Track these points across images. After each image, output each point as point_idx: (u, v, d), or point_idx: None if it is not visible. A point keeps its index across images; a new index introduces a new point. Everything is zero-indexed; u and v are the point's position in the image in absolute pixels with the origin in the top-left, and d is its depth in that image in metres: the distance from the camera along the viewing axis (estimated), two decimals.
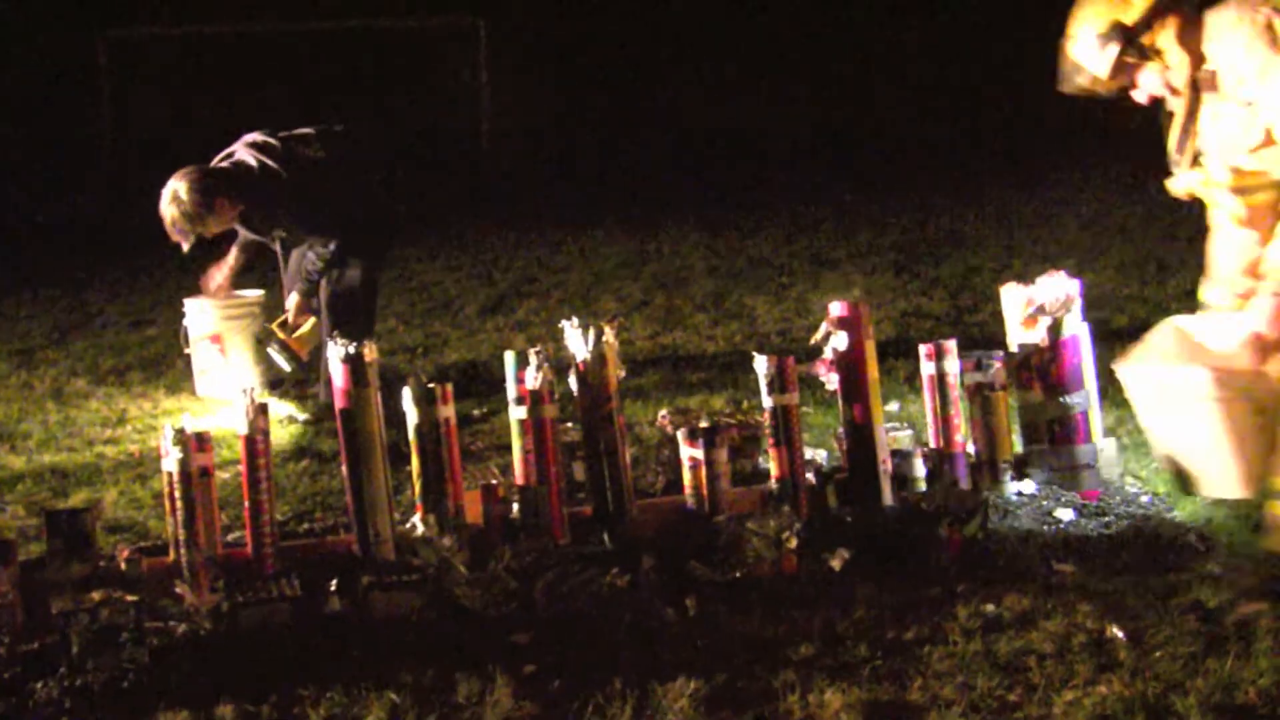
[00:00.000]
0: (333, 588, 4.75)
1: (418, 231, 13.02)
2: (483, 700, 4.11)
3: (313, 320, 7.59)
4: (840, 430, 5.77)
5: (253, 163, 7.33)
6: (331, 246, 7.43)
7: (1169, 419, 5.13)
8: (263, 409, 5.06)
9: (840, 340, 5.63)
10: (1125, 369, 5.24)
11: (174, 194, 7.23)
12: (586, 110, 19.26)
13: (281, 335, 7.57)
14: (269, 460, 5.07)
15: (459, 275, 12.08)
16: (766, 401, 5.53)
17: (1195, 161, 5.07)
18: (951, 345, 5.75)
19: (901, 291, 10.17)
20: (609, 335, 5.33)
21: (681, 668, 4.23)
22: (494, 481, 5.40)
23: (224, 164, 7.43)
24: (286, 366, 7.65)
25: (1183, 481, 5.16)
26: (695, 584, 4.88)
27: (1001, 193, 14.41)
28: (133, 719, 4.11)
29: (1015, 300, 5.80)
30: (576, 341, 5.34)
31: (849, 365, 5.64)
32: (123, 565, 4.87)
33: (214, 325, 8.04)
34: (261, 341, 7.79)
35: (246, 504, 5.03)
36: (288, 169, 7.33)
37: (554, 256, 12.69)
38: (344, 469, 5.14)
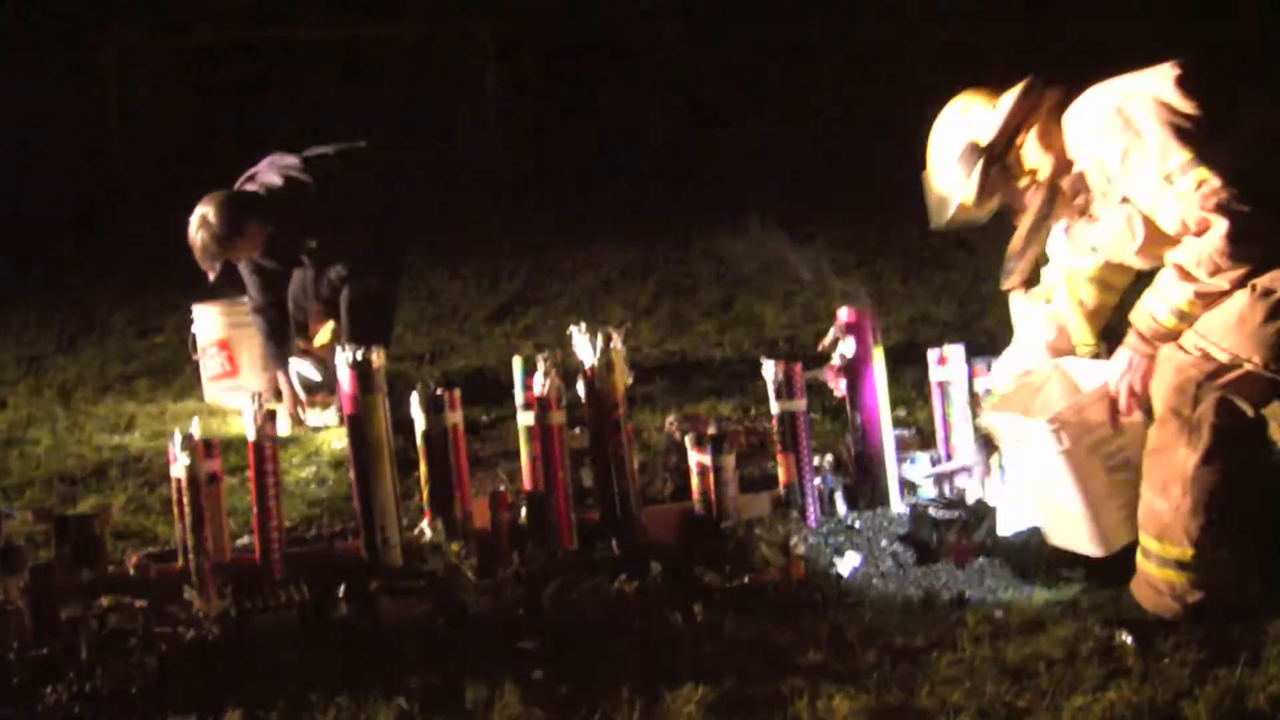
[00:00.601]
0: (341, 594, 4.75)
1: (425, 238, 13.01)
2: (490, 706, 4.11)
3: (332, 325, 7.58)
4: (848, 436, 5.77)
5: (279, 181, 7.30)
6: (355, 263, 7.43)
7: (1027, 469, 5.01)
8: (270, 415, 5.06)
9: (848, 346, 5.63)
10: (988, 416, 5.14)
11: (203, 219, 7.11)
12: (593, 115, 19.26)
13: (303, 344, 7.56)
14: (277, 466, 5.07)
15: (466, 282, 12.08)
16: (774, 407, 5.53)
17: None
18: (958, 350, 5.74)
19: (909, 297, 10.16)
20: (617, 342, 5.33)
21: (689, 674, 4.22)
22: (502, 488, 5.40)
23: (249, 185, 7.41)
24: (316, 376, 7.61)
25: (1049, 532, 5.02)
26: (703, 590, 4.87)
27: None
28: None
29: (1024, 307, 5.79)
30: (584, 348, 5.34)
31: (857, 371, 5.64)
32: (131, 571, 4.87)
33: (222, 331, 8.04)
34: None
35: (255, 510, 5.03)
36: (313, 185, 7.32)
37: (561, 263, 12.69)
38: (352, 475, 5.14)
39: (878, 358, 5.69)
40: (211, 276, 7.27)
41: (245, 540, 5.43)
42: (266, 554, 4.98)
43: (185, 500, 4.85)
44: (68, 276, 13.19)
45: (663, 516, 5.42)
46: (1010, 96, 4.83)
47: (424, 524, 5.09)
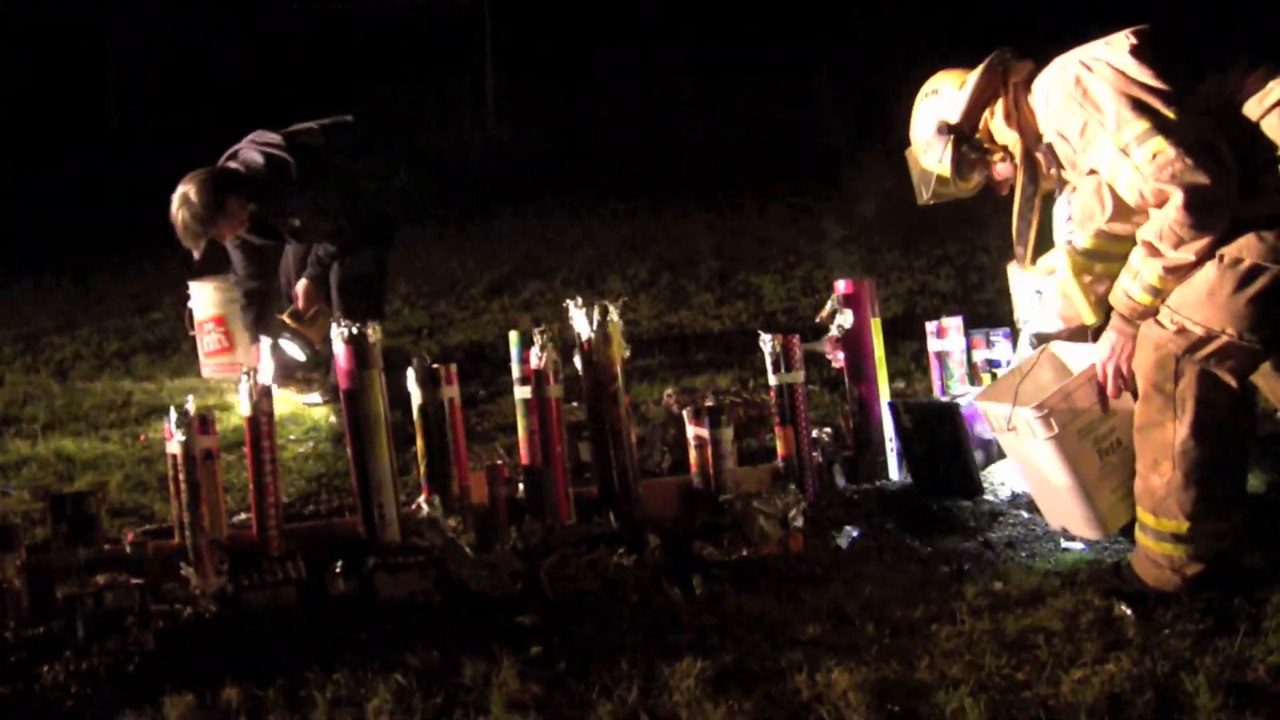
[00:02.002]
0: (338, 570, 4.75)
1: (422, 213, 13.00)
2: (489, 682, 4.10)
3: (323, 306, 7.56)
4: (846, 408, 5.76)
5: (259, 159, 7.27)
6: (339, 239, 7.40)
7: (1024, 452, 5.00)
8: (266, 391, 5.04)
9: (846, 318, 5.62)
10: (980, 405, 5.13)
11: (184, 196, 7.09)
12: (591, 90, 19.22)
13: (293, 324, 7.54)
14: (274, 442, 5.06)
15: (463, 256, 12.06)
16: (773, 380, 5.52)
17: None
18: (957, 322, 5.73)
19: (907, 270, 10.14)
20: (614, 315, 5.31)
21: (688, 648, 4.22)
22: (499, 462, 5.38)
23: (231, 164, 7.38)
24: (301, 356, 7.61)
25: (1047, 514, 5.09)
26: (702, 564, 4.87)
27: None
28: (139, 702, 4.10)
29: (1021, 278, 5.78)
30: (581, 321, 5.32)
31: (855, 343, 5.63)
32: (128, 549, 4.86)
33: (218, 308, 8.03)
34: (273, 335, 7.78)
35: (251, 486, 5.02)
36: (295, 161, 7.30)
37: (558, 237, 12.66)
38: (349, 450, 5.12)
39: (875, 329, 5.68)
40: (196, 255, 7.24)
41: (242, 517, 5.42)
42: (264, 530, 4.97)
43: (182, 477, 4.84)
44: (65, 254, 13.16)
45: (661, 490, 5.41)
46: (975, 75, 4.90)
47: (421, 499, 5.08)
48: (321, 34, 19.18)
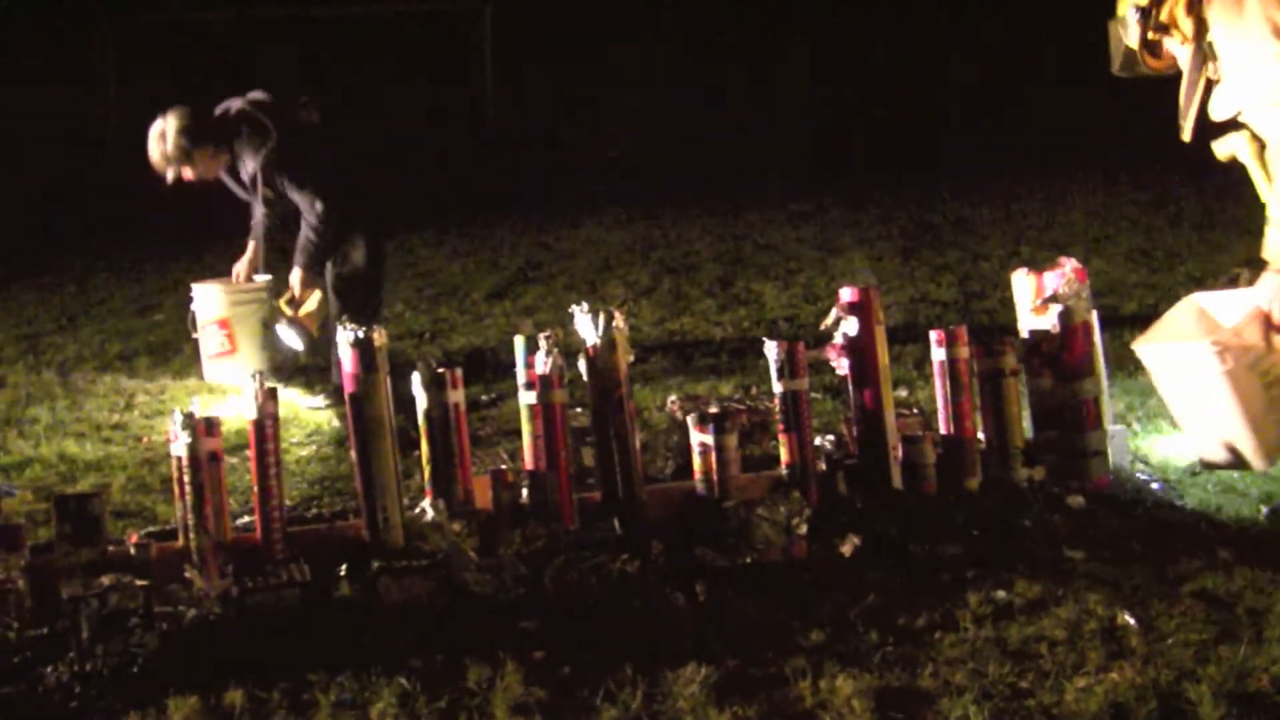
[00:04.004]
0: (342, 573, 4.75)
1: (423, 217, 13.02)
2: (492, 686, 4.10)
3: (319, 294, 7.56)
4: (850, 416, 5.76)
5: (243, 116, 7.42)
6: (317, 216, 7.39)
7: (1186, 395, 5.24)
8: (272, 394, 5.05)
9: (850, 325, 5.62)
10: (1142, 347, 5.36)
11: (161, 132, 7.33)
12: (592, 94, 19.23)
13: (289, 312, 7.54)
14: (278, 445, 5.06)
15: (465, 261, 12.07)
16: (776, 387, 5.52)
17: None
18: (962, 331, 5.73)
19: (909, 278, 10.14)
20: (619, 321, 5.32)
21: (692, 654, 4.22)
22: (503, 467, 5.39)
23: (217, 114, 7.49)
24: (299, 345, 7.62)
25: (1204, 455, 5.29)
26: (705, 570, 4.86)
27: (1010, 180, 14.39)
28: (142, 704, 4.10)
29: (1026, 287, 5.78)
30: (586, 327, 5.33)
31: (859, 351, 5.63)
32: (132, 550, 4.85)
33: (221, 310, 8.04)
34: (269, 324, 7.80)
35: (255, 489, 5.02)
36: (279, 127, 7.36)
37: (560, 242, 12.67)
38: (353, 454, 5.13)
39: (880, 337, 5.68)
40: (169, 180, 7.43)
41: (246, 519, 5.42)
42: (268, 533, 4.97)
43: (186, 479, 4.84)
44: (67, 255, 13.16)
45: (664, 496, 5.41)
46: None
47: (425, 503, 5.08)
48: (322, 34, 19.19)
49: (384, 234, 7.78)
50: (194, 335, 8.20)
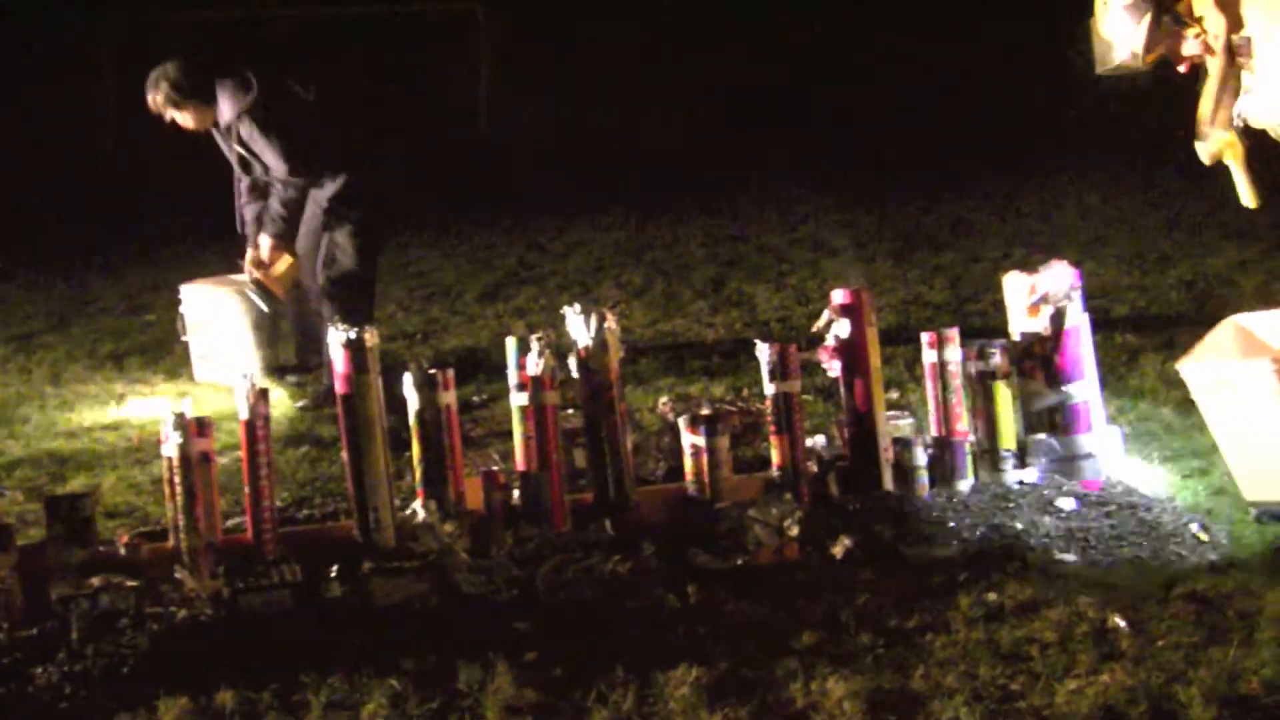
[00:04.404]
0: (333, 574, 4.75)
1: (416, 218, 13.01)
2: (484, 687, 4.10)
3: (289, 259, 7.53)
4: (842, 418, 5.76)
5: (230, 68, 7.45)
6: (283, 176, 7.40)
7: (1233, 417, 4.99)
8: (263, 394, 5.05)
9: (842, 328, 5.62)
10: (1188, 367, 5.08)
11: (158, 77, 7.38)
12: (585, 95, 19.22)
13: (256, 274, 7.52)
14: (269, 445, 5.06)
15: (458, 261, 12.05)
16: (768, 389, 5.52)
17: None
18: (954, 334, 5.73)
19: (902, 280, 10.14)
20: (611, 322, 5.32)
21: (684, 655, 4.22)
22: (495, 468, 5.39)
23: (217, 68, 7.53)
24: (265, 307, 7.65)
25: (1255, 486, 5.00)
26: (697, 571, 4.87)
27: (1002, 182, 14.38)
28: (133, 704, 4.10)
29: (1018, 289, 5.79)
30: (578, 328, 5.33)
31: (851, 352, 5.63)
32: (122, 551, 4.86)
33: (211, 311, 8.03)
34: (260, 325, 7.79)
35: (247, 489, 5.02)
36: (264, 87, 7.38)
37: (553, 242, 12.66)
38: (345, 455, 5.12)
39: (872, 339, 5.68)
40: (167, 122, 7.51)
41: (237, 520, 5.42)
42: (259, 534, 4.97)
43: (177, 479, 4.84)
44: (58, 255, 13.13)
45: (656, 497, 5.41)
46: None
47: (417, 504, 5.08)
48: (313, 33, 19.17)
49: (376, 235, 7.75)
50: (183, 337, 8.18)
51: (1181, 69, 4.99)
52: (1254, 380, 4.80)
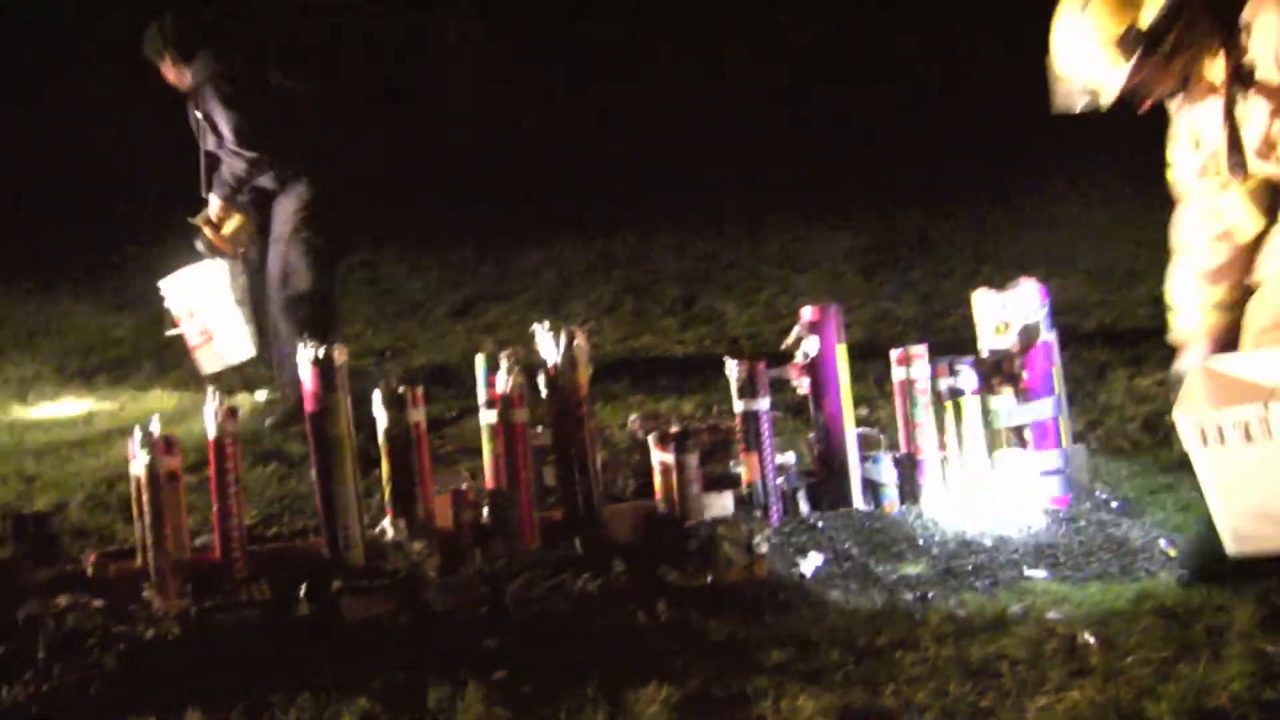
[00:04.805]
0: (302, 592, 4.73)
1: (385, 234, 13.00)
2: (454, 706, 4.08)
3: (240, 219, 7.61)
4: (812, 434, 5.77)
5: (217, 46, 7.60)
6: (233, 141, 7.44)
7: (1236, 466, 4.68)
8: (231, 412, 5.03)
9: (811, 344, 5.63)
10: (1185, 418, 4.76)
11: (154, 25, 7.62)
12: (555, 112, 19.23)
13: (208, 234, 7.56)
14: (238, 464, 5.04)
15: (427, 278, 12.05)
16: (738, 406, 5.53)
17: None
18: (921, 350, 5.74)
19: (871, 296, 10.17)
20: (580, 339, 5.32)
21: (654, 673, 4.21)
22: (464, 486, 5.38)
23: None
24: (211, 258, 7.71)
25: (1243, 539, 4.70)
26: (667, 589, 4.86)
27: (971, 198, 14.43)
28: None
29: (987, 306, 5.80)
30: (548, 345, 5.32)
31: (820, 369, 5.64)
32: (89, 570, 4.84)
33: (191, 300, 7.95)
34: (242, 302, 7.76)
35: (215, 508, 5.00)
36: (239, 62, 7.54)
37: (522, 259, 12.67)
38: (313, 473, 5.11)
39: (841, 356, 5.69)
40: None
41: (205, 538, 5.40)
42: (227, 552, 4.95)
43: (145, 498, 4.82)
44: (26, 271, 13.08)
45: (626, 515, 5.41)
46: None
47: (386, 522, 5.07)
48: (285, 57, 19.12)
49: (332, 255, 7.69)
50: (172, 332, 8.07)
51: (1146, 106, 4.85)
52: (1252, 426, 4.57)
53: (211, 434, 4.99)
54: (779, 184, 15.72)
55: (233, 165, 7.46)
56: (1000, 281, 5.92)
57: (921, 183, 15.37)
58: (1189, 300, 5.12)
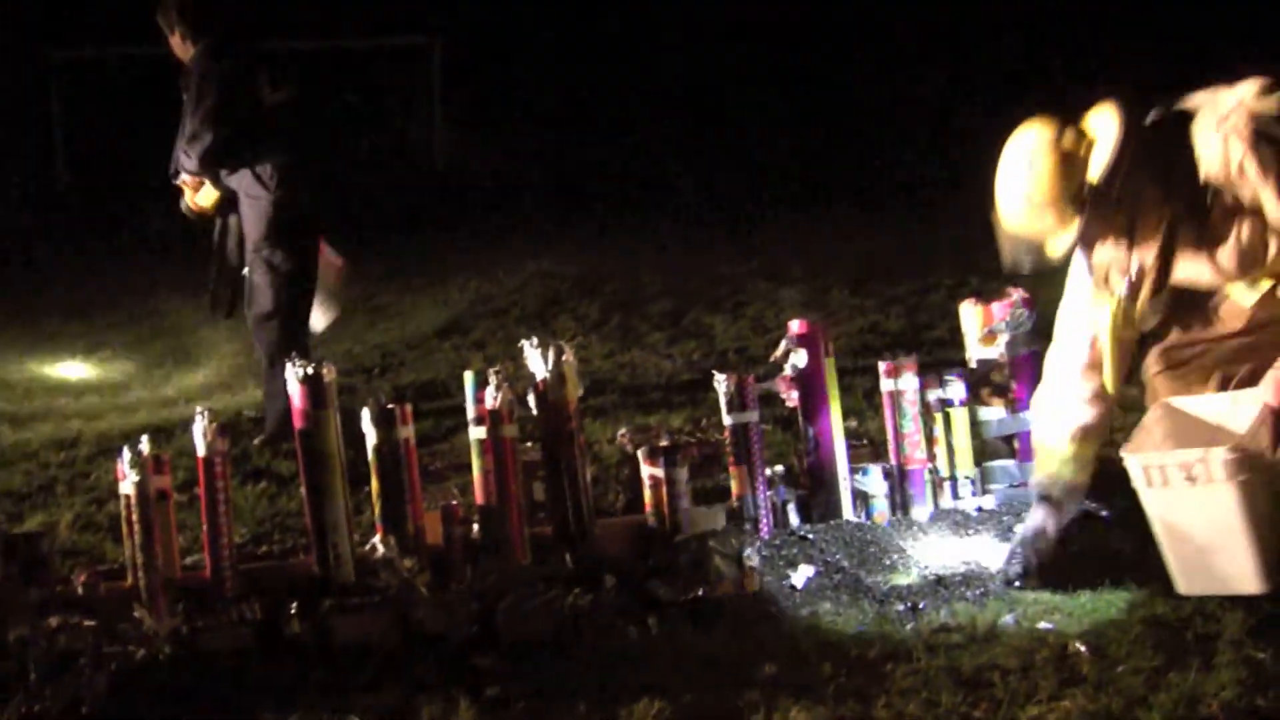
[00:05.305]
0: (293, 611, 4.72)
1: (372, 251, 13.00)
2: None
3: (214, 194, 7.51)
4: (800, 447, 5.78)
5: (220, 37, 7.52)
6: (192, 161, 7.38)
7: (1181, 508, 4.69)
8: (222, 430, 5.02)
9: (800, 357, 5.64)
10: (1134, 458, 4.76)
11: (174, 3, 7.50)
12: (541, 129, 19.25)
13: (188, 200, 7.55)
14: (228, 482, 5.04)
15: (415, 295, 12.05)
16: (727, 419, 5.54)
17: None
18: (910, 362, 5.75)
19: (858, 309, 10.18)
20: (568, 355, 5.32)
21: (645, 688, 4.21)
22: (454, 502, 5.37)
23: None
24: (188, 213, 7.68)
25: (1189, 579, 4.72)
26: (657, 603, 4.86)
27: (958, 210, 14.44)
28: None
29: (974, 317, 5.82)
30: (536, 361, 5.32)
31: (809, 382, 5.65)
32: (80, 589, 4.82)
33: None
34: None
35: (205, 526, 4.99)
36: (238, 64, 7.47)
37: (510, 275, 12.66)
38: (303, 490, 5.10)
39: (830, 369, 5.70)
40: None
41: (195, 557, 5.39)
42: (218, 571, 4.94)
43: (135, 517, 4.81)
44: (13, 291, 13.07)
45: (616, 530, 5.40)
46: (1110, 127, 4.63)
47: (376, 539, 5.06)
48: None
49: (294, 276, 7.57)
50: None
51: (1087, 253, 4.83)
52: (1211, 470, 4.56)
53: (201, 452, 4.98)
54: (765, 198, 15.75)
55: (180, 159, 7.41)
56: (988, 293, 5.94)
57: (908, 195, 15.40)
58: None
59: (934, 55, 19.32)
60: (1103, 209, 4.63)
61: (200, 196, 7.48)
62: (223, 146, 7.31)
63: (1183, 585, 4.72)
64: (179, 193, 7.59)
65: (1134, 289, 4.80)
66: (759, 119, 19.01)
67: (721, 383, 5.55)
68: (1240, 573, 4.60)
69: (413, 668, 4.47)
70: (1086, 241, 4.73)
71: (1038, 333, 5.74)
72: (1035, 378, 5.60)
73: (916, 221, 14.09)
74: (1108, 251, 4.81)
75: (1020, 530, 5.11)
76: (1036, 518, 5.04)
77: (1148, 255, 4.76)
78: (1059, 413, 5.03)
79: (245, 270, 7.50)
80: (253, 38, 7.72)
